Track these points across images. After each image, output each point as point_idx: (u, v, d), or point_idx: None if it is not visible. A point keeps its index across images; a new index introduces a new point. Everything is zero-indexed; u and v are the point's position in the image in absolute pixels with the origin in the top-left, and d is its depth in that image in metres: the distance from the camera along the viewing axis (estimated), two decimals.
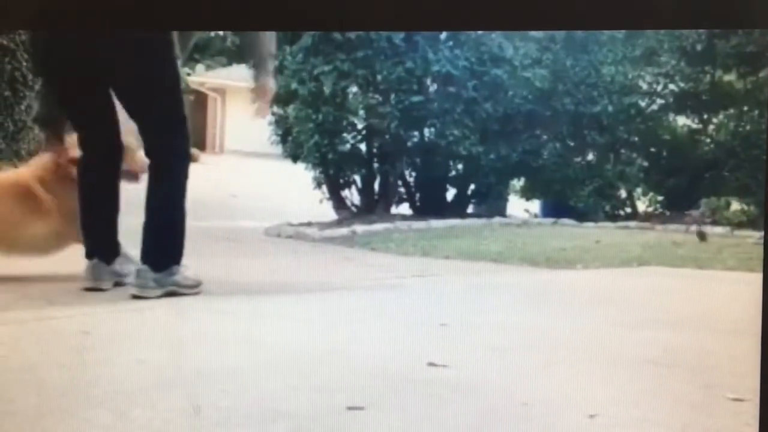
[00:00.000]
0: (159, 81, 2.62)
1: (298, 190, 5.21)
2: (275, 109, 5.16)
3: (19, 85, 4.55)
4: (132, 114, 2.69)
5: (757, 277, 1.76)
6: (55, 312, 2.48)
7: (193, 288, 2.77)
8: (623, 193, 5.50)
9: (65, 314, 2.46)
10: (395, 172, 5.35)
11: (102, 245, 2.79)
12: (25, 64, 4.49)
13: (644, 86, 5.34)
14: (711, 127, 5.32)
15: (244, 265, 3.18)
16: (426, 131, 5.20)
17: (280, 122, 5.27)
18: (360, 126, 5.15)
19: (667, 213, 5.34)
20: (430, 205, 5.40)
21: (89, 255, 2.78)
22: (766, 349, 1.73)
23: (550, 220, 5.22)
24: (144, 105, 2.67)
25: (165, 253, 2.72)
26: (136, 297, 2.65)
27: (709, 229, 4.65)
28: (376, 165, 5.32)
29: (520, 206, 5.58)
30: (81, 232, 2.79)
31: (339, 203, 5.38)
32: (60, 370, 1.96)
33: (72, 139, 2.81)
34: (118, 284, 2.77)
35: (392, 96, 4.93)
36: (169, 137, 2.68)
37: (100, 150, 2.78)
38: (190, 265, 2.89)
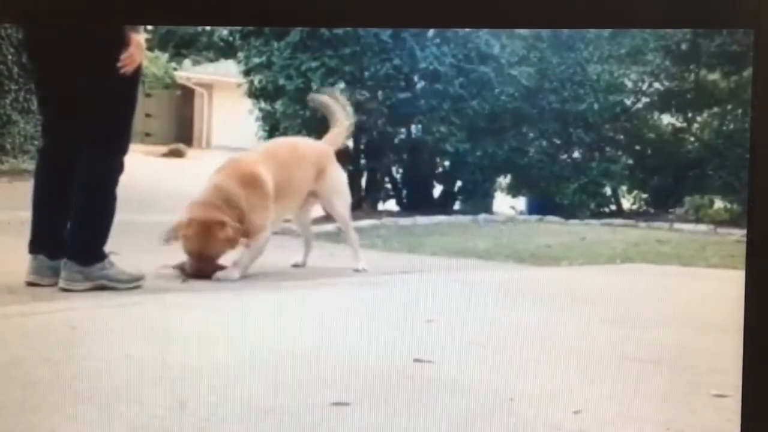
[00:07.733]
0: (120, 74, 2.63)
1: None
2: (262, 104, 5.14)
3: (3, 78, 4.50)
4: (85, 102, 2.67)
5: (740, 275, 1.77)
6: (40, 307, 2.47)
7: (128, 283, 2.75)
8: (608, 191, 5.53)
9: (51, 309, 2.45)
10: (382, 168, 5.34)
11: (47, 239, 2.74)
12: (10, 57, 4.45)
13: (629, 84, 5.35)
14: (695, 125, 5.35)
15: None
16: (413, 128, 5.20)
17: (268, 118, 5.25)
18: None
19: (651, 211, 5.37)
20: (416, 202, 5.40)
21: (32, 248, 2.74)
22: (749, 345, 1.76)
23: (536, 217, 5.24)
24: (102, 96, 2.66)
25: (87, 247, 2.69)
26: (63, 290, 2.65)
27: (692, 227, 4.70)
28: (363, 161, 5.32)
29: (506, 203, 5.59)
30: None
31: None
32: (46, 366, 1.95)
33: None
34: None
35: (379, 93, 4.93)
36: (113, 130, 2.69)
37: (60, 139, 2.75)
38: (176, 261, 2.87)
